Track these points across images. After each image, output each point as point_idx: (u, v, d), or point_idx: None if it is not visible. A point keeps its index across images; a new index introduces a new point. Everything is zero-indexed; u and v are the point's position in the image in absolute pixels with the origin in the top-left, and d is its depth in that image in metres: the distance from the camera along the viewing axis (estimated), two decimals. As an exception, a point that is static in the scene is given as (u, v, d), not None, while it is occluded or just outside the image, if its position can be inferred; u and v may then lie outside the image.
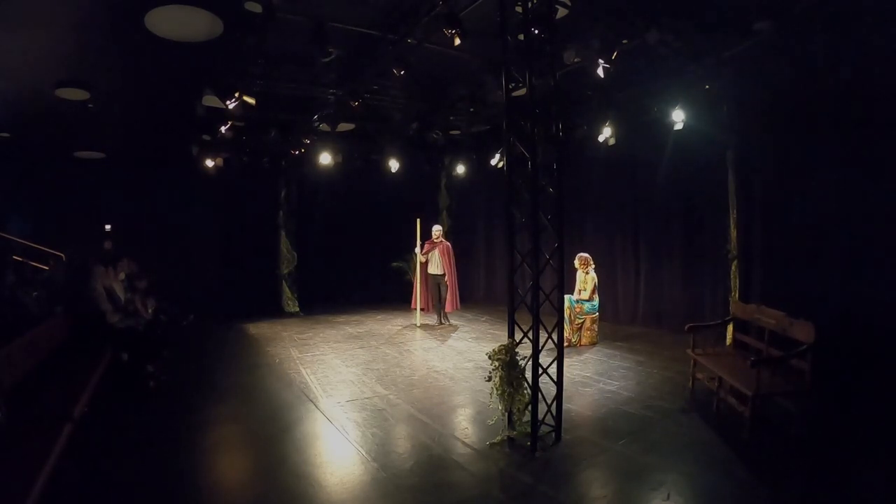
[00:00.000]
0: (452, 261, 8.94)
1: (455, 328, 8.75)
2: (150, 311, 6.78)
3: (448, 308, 8.95)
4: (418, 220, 8.82)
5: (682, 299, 7.82)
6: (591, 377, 5.72)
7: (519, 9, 3.96)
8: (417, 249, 8.84)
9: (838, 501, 3.19)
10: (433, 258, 8.86)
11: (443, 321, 8.97)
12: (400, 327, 8.88)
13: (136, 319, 6.16)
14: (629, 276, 8.67)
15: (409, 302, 9.41)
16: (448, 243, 9.03)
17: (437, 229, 8.97)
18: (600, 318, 7.42)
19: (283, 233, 10.78)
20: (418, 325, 8.94)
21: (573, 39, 5.34)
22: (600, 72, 5.34)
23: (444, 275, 8.82)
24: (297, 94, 6.97)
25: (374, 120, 8.74)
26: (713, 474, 3.45)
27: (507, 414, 4.08)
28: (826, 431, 4.04)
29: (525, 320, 4.10)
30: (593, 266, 7.37)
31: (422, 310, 9.06)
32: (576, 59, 5.51)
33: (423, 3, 4.84)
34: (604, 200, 9.02)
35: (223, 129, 7.72)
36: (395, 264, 11.04)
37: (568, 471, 3.62)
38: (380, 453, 3.88)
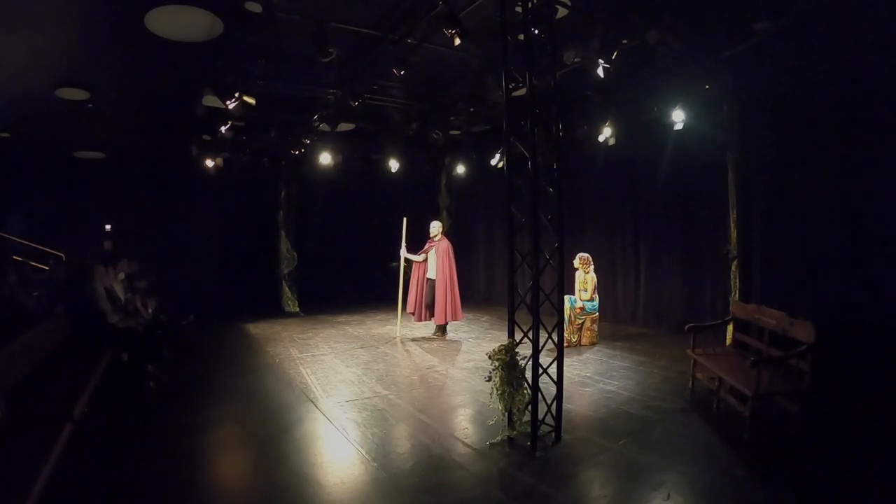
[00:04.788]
0: (449, 263, 7.79)
1: (452, 342, 7.72)
2: (150, 311, 6.78)
3: (439, 320, 7.74)
4: (405, 220, 7.98)
5: (682, 299, 7.81)
6: (591, 377, 5.72)
7: (519, 9, 3.96)
8: (402, 251, 7.92)
9: (838, 502, 3.19)
10: (430, 259, 7.86)
11: (436, 333, 8.01)
12: (400, 327, 8.86)
13: (136, 319, 6.16)
14: (629, 276, 8.67)
15: (405, 305, 8.21)
16: (448, 242, 7.95)
17: (433, 226, 8.01)
18: (600, 318, 7.42)
19: (283, 233, 10.78)
20: (398, 335, 8.05)
21: (573, 39, 5.35)
22: (600, 72, 5.34)
23: (436, 279, 7.76)
24: (297, 94, 6.98)
25: (374, 120, 8.75)
26: (713, 474, 3.45)
27: (507, 414, 4.08)
28: (826, 431, 4.04)
29: (525, 320, 4.10)
30: (593, 266, 7.37)
31: (410, 314, 8.08)
32: (576, 59, 5.51)
33: (423, 3, 4.84)
34: (604, 200, 9.01)
35: (223, 129, 7.72)
36: (394, 264, 11.02)
37: (568, 471, 3.62)
38: (380, 453, 3.88)
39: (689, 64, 5.67)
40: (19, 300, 6.03)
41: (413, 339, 7.95)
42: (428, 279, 7.92)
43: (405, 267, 8.19)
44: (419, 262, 8.02)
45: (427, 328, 8.30)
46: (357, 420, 4.56)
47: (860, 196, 5.43)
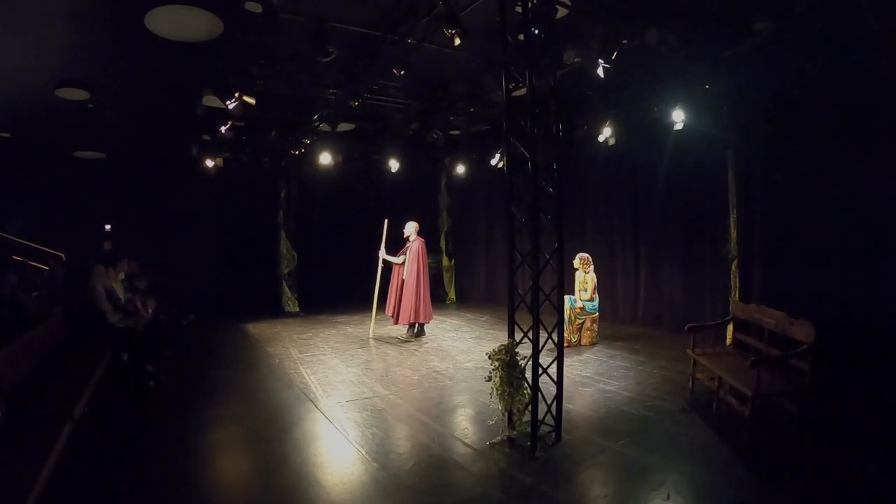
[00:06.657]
0: (419, 264, 7.84)
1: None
2: (150, 311, 6.79)
3: (403, 319, 7.82)
4: (386, 221, 8.05)
5: (682, 299, 7.81)
6: (591, 377, 5.71)
7: (519, 9, 3.96)
8: (381, 252, 8.00)
9: (838, 502, 3.19)
10: (406, 261, 7.90)
11: (407, 333, 7.95)
12: (400, 327, 8.83)
13: (136, 319, 6.17)
14: (629, 277, 8.67)
15: (384, 307, 8.23)
16: (420, 242, 7.95)
17: (407, 227, 8.00)
18: (600, 318, 7.42)
19: (283, 233, 10.78)
20: (371, 335, 8.08)
21: (573, 39, 5.35)
22: (600, 72, 5.34)
23: (405, 279, 7.83)
24: (297, 94, 6.97)
25: (374, 120, 8.74)
26: (713, 474, 3.45)
27: (507, 414, 4.08)
28: (826, 431, 4.04)
29: (525, 320, 4.10)
30: (593, 266, 7.37)
31: (389, 316, 8.07)
32: (576, 59, 5.51)
33: (423, 3, 4.84)
34: (604, 200, 9.02)
35: (223, 129, 7.72)
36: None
37: (568, 471, 3.62)
38: (380, 453, 3.88)
39: (689, 64, 5.66)
40: (19, 300, 6.03)
41: (412, 340, 7.94)
42: (403, 280, 7.90)
43: (383, 269, 8.16)
44: (398, 265, 7.99)
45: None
46: (357, 420, 4.56)
47: (860, 196, 5.42)
